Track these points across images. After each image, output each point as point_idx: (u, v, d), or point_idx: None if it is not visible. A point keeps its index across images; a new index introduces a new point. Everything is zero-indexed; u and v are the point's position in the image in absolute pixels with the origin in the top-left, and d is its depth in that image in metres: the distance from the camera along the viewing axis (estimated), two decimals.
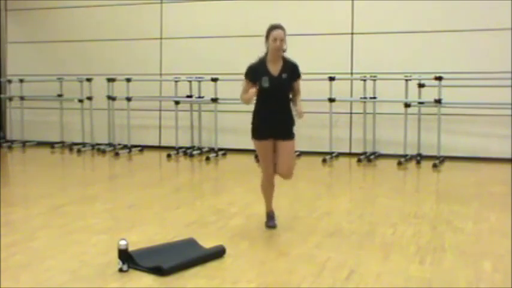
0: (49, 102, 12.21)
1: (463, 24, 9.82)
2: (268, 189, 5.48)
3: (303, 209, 6.31)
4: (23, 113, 12.16)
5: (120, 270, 4.24)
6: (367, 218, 5.99)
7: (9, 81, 12.27)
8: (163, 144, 11.50)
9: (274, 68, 5.19)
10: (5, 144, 12.14)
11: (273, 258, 4.71)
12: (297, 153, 9.98)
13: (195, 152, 10.61)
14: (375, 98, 9.97)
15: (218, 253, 4.59)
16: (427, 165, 9.16)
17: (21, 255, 4.72)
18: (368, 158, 9.75)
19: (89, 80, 11.48)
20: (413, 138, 9.78)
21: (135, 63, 11.66)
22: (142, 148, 11.32)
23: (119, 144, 11.33)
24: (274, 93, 5.19)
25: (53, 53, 12.43)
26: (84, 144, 11.55)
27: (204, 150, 10.76)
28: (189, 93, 10.96)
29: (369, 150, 10.16)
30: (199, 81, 10.84)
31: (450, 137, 9.78)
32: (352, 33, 10.46)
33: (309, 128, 10.09)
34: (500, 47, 9.56)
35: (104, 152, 11.00)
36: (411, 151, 9.75)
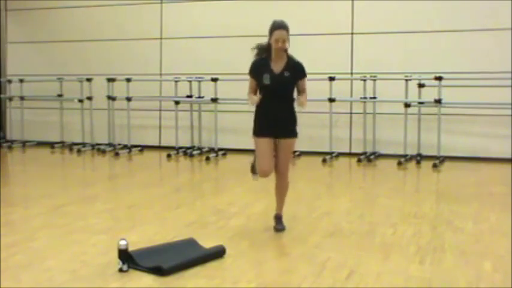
0: (49, 102, 12.21)
1: (463, 24, 9.83)
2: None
3: (303, 209, 6.31)
4: (23, 113, 12.17)
5: (120, 270, 4.24)
6: (367, 218, 5.99)
7: (9, 81, 12.27)
8: (163, 144, 11.51)
9: (277, 66, 5.16)
10: (5, 144, 12.14)
11: (273, 258, 4.71)
12: (297, 153, 10.00)
13: (195, 152, 10.62)
14: (375, 98, 9.98)
15: (218, 253, 4.58)
16: (427, 165, 9.16)
17: (21, 255, 4.71)
18: (368, 158, 9.75)
19: (89, 80, 11.48)
20: (413, 138, 9.79)
21: (135, 63, 11.66)
22: (142, 148, 11.33)
23: (119, 144, 11.33)
24: (276, 91, 5.14)
25: (53, 53, 12.43)
26: (84, 144, 11.55)
27: (204, 150, 10.77)
28: (189, 93, 10.96)
29: (369, 150, 10.16)
30: (199, 81, 10.84)
31: (450, 137, 9.78)
32: (352, 33, 10.46)
33: (309, 128, 10.09)
34: (500, 47, 9.57)
35: (104, 152, 11.00)
36: (411, 151, 9.76)
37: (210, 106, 10.72)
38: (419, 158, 9.53)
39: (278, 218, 5.44)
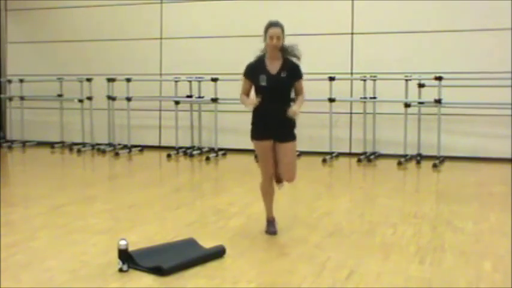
0: (49, 102, 12.21)
1: (463, 24, 9.82)
2: (267, 193, 5.31)
3: (303, 209, 6.31)
4: (23, 113, 12.17)
5: (120, 270, 4.24)
6: (367, 218, 5.99)
7: (9, 81, 12.27)
8: (163, 144, 11.50)
9: (273, 67, 5.09)
10: (5, 144, 12.14)
11: (273, 258, 4.71)
12: (297, 153, 9.97)
13: (195, 152, 10.61)
14: (375, 98, 9.98)
15: (218, 253, 4.58)
16: (427, 165, 9.16)
17: (21, 255, 4.72)
18: (368, 158, 9.75)
19: (89, 80, 11.48)
20: (413, 138, 9.78)
21: (135, 63, 11.66)
22: (142, 148, 11.33)
23: (119, 144, 11.33)
24: (273, 92, 5.05)
25: (53, 53, 12.43)
26: (84, 144, 11.55)
27: (204, 150, 10.77)
28: (189, 93, 10.96)
29: (369, 150, 10.16)
30: (199, 81, 10.84)
31: (450, 137, 9.78)
32: (352, 33, 10.46)
33: (309, 128, 10.09)
34: (500, 47, 9.56)
35: (104, 152, 11.00)
36: (411, 151, 9.76)
37: (210, 106, 10.72)
38: (419, 158, 9.53)
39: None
